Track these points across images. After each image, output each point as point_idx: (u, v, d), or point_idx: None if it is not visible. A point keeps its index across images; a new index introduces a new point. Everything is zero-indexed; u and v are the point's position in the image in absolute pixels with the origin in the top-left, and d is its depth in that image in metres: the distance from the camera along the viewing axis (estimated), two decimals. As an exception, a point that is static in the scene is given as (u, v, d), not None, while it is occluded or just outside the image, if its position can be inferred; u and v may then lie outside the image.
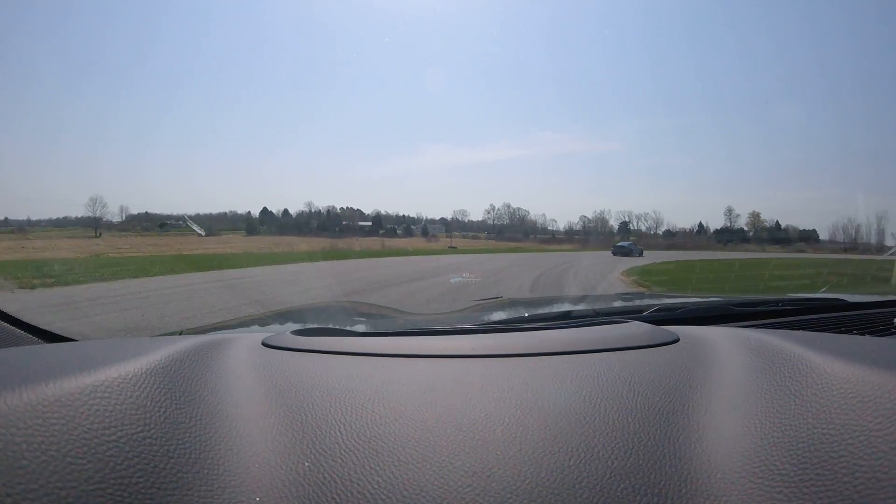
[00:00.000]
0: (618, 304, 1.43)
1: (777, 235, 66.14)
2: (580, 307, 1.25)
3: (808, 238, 67.11)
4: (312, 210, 62.87)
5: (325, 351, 0.64)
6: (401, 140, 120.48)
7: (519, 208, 75.82)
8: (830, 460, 0.34)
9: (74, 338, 0.91)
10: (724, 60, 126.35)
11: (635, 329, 0.72)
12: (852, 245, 65.66)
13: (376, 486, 0.35)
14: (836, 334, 0.77)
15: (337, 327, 0.87)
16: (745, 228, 71.90)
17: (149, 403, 0.40)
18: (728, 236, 63.74)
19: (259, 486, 0.35)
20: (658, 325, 0.76)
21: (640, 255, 28.64)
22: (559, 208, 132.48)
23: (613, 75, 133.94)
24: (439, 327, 0.91)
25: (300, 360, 0.61)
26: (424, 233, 61.57)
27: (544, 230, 73.08)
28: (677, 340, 0.65)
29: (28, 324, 0.88)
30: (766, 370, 0.50)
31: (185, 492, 0.34)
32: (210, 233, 39.75)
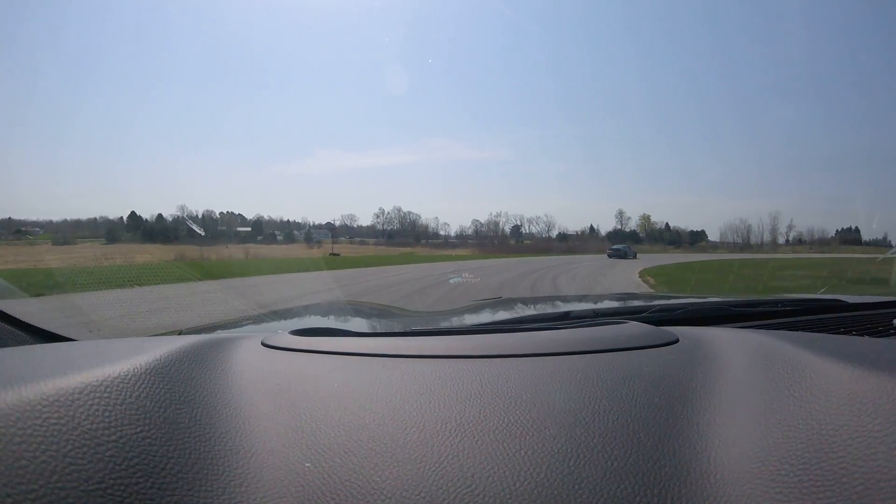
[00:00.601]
0: (617, 304, 1.42)
1: (670, 237, 69.25)
2: (580, 307, 1.24)
3: (698, 239, 71.18)
4: (186, 214, 59.42)
5: (324, 351, 0.64)
6: (291, 143, 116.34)
7: (410, 212, 74.42)
8: (830, 461, 0.34)
9: (74, 338, 0.90)
10: (612, 70, 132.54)
11: (635, 329, 0.72)
12: (745, 244, 70.41)
13: (376, 487, 0.35)
14: (835, 335, 0.77)
15: (336, 327, 0.86)
16: (637, 230, 75.03)
17: (148, 403, 0.41)
18: (621, 238, 65.09)
19: (259, 487, 0.36)
20: (657, 325, 0.75)
21: (634, 257, 30.67)
22: (452, 213, 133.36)
23: (507, 85, 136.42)
24: (438, 327, 0.95)
25: (299, 361, 0.61)
26: (308, 239, 59.32)
27: (436, 235, 72.45)
28: (677, 341, 0.65)
29: (27, 323, 0.87)
30: (765, 371, 0.50)
31: (186, 492, 0.34)
32: (65, 241, 36.65)
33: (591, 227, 77.30)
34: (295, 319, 1.28)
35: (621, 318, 0.84)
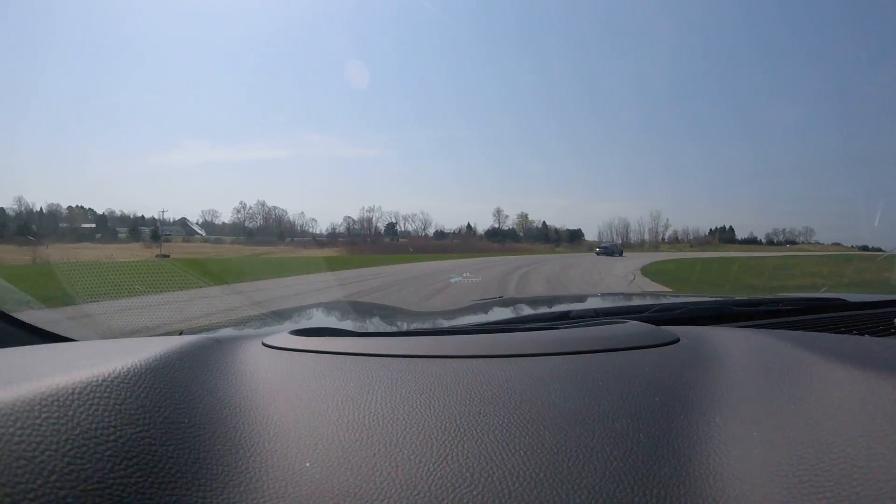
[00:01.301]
0: (617, 303, 1.43)
1: (547, 235, 71.25)
2: (580, 307, 1.24)
3: (577, 237, 74.48)
4: (23, 208, 53.11)
5: (324, 351, 0.64)
6: (154, 133, 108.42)
7: (275, 207, 69.40)
8: (829, 461, 0.34)
9: (73, 338, 0.91)
10: (488, 76, 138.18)
11: (635, 329, 0.71)
12: (626, 243, 74.23)
13: (376, 486, 0.36)
14: (835, 334, 0.77)
15: (337, 327, 0.87)
16: (515, 228, 75.11)
17: (148, 403, 0.41)
18: (500, 236, 65.06)
19: (259, 486, 0.36)
20: (658, 325, 0.75)
21: (621, 254, 32.03)
22: (324, 209, 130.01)
23: (391, 82, 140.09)
24: (438, 327, 0.97)
25: (300, 361, 0.61)
26: (154, 236, 53.30)
27: (304, 232, 66.80)
28: (677, 340, 0.65)
29: (26, 323, 0.88)
30: (765, 370, 0.50)
31: (185, 492, 0.34)
32: None
33: (469, 225, 77.10)
34: (295, 319, 1.26)
35: (621, 318, 0.83)
